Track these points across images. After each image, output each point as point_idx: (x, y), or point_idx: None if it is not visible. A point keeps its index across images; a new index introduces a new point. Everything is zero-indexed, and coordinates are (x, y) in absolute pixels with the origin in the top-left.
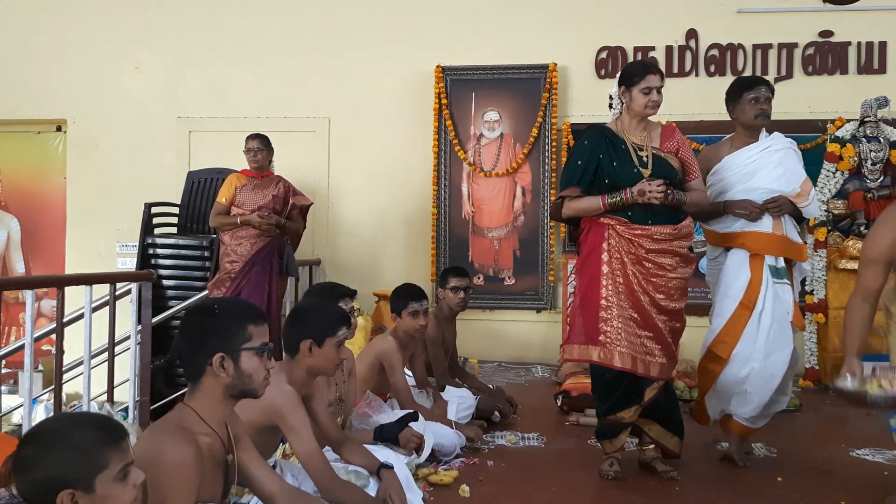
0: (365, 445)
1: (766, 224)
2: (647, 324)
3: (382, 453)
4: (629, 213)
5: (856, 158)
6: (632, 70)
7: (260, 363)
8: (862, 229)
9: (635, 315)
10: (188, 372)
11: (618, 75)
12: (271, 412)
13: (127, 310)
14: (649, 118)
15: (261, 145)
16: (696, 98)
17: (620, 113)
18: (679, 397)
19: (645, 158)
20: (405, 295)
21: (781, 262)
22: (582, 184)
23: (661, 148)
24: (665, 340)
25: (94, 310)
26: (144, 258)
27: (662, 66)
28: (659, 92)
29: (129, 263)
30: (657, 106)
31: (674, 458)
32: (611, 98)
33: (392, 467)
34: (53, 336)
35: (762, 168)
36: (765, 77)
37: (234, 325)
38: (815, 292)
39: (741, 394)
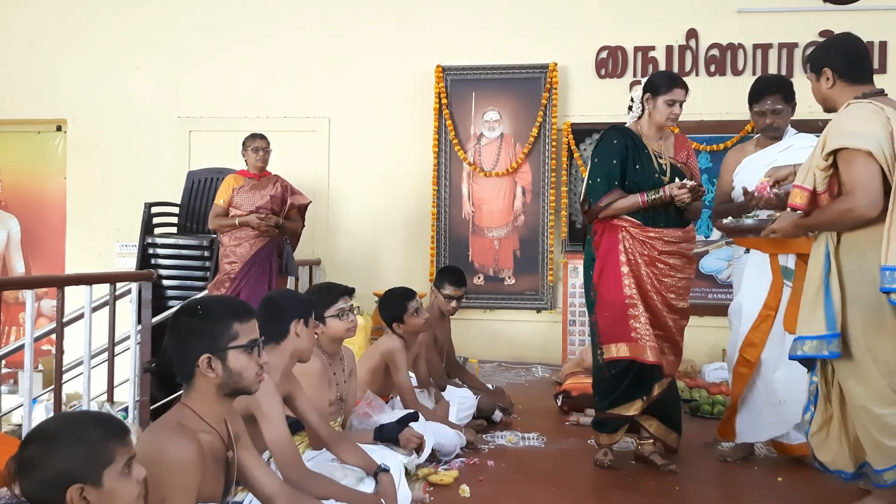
0: (365, 445)
1: None
2: (659, 322)
3: (380, 453)
4: (647, 215)
5: None
6: (659, 80)
7: (249, 360)
8: None
9: (647, 314)
10: (180, 374)
11: (643, 81)
12: (248, 401)
13: (127, 310)
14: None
15: (267, 144)
16: (696, 98)
17: (639, 117)
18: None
19: (664, 166)
20: (400, 299)
21: (791, 264)
22: (619, 183)
23: (675, 158)
24: (674, 339)
25: (94, 310)
26: (144, 258)
27: (662, 66)
28: (680, 106)
29: (129, 263)
30: (677, 119)
31: (671, 453)
32: (632, 101)
33: (389, 470)
34: (53, 336)
35: None
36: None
37: (218, 325)
38: None
39: (775, 406)
